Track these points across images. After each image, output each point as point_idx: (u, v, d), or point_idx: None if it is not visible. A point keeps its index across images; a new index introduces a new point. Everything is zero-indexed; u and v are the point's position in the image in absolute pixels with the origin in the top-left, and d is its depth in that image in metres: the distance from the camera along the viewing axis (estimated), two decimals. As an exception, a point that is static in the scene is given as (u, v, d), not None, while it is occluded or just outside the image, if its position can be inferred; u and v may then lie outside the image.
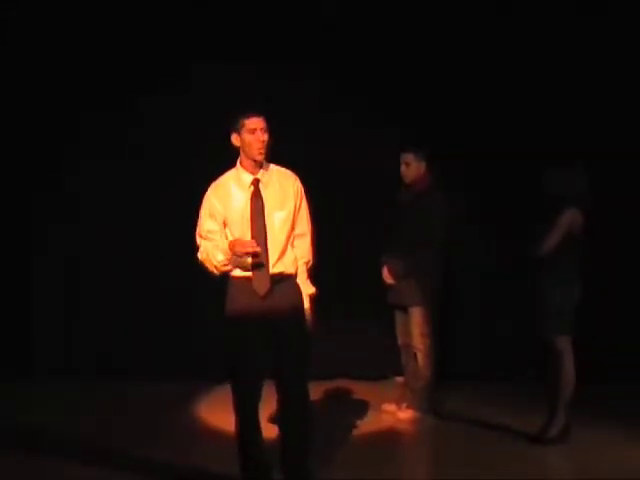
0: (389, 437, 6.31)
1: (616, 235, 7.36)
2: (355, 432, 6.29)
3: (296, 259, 4.74)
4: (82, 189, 8.07)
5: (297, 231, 4.76)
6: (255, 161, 4.66)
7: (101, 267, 8.07)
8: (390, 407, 6.79)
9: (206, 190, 4.79)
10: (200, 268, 4.78)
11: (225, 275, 4.73)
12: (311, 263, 4.85)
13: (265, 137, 4.63)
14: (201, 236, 4.75)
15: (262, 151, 4.63)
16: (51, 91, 7.93)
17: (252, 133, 4.61)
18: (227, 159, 4.83)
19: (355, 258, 7.73)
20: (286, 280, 4.67)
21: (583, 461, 5.62)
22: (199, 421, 6.67)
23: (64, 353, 8.08)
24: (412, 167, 6.62)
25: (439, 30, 7.68)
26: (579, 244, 5.85)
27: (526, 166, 6.98)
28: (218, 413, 6.64)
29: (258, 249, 4.52)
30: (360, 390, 7.55)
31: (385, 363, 7.77)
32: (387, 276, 6.66)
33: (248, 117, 4.63)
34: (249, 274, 4.61)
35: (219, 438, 6.05)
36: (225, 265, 4.65)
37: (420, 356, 6.54)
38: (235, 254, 4.57)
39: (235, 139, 4.68)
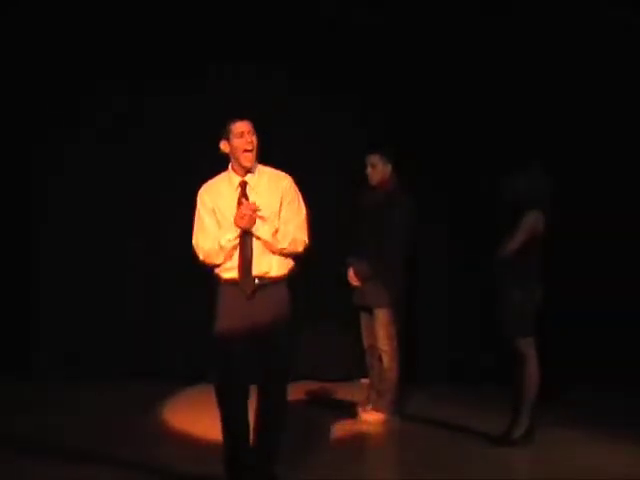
0: (355, 439, 6.30)
1: (579, 237, 7.43)
2: (321, 434, 6.28)
3: (285, 263, 4.77)
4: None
5: (281, 220, 4.76)
6: (243, 167, 4.74)
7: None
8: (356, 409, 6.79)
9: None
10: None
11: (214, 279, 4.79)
12: (293, 246, 4.77)
13: (253, 139, 4.71)
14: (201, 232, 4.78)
15: (250, 155, 4.70)
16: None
17: (240, 137, 4.69)
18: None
19: (320, 260, 7.72)
20: (272, 284, 4.72)
21: (548, 462, 5.64)
22: (165, 422, 6.62)
23: (27, 353, 8.00)
24: (378, 169, 6.62)
25: (402, 35, 7.72)
26: (541, 246, 5.88)
27: (490, 168, 7.02)
28: (183, 414, 6.65)
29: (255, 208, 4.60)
30: (326, 392, 7.55)
31: (351, 365, 7.78)
32: (353, 278, 6.66)
33: (234, 122, 4.73)
34: (236, 276, 4.67)
35: (184, 439, 6.05)
36: (232, 241, 4.66)
37: (386, 358, 6.54)
38: (241, 220, 4.60)
39: (224, 146, 4.77)
